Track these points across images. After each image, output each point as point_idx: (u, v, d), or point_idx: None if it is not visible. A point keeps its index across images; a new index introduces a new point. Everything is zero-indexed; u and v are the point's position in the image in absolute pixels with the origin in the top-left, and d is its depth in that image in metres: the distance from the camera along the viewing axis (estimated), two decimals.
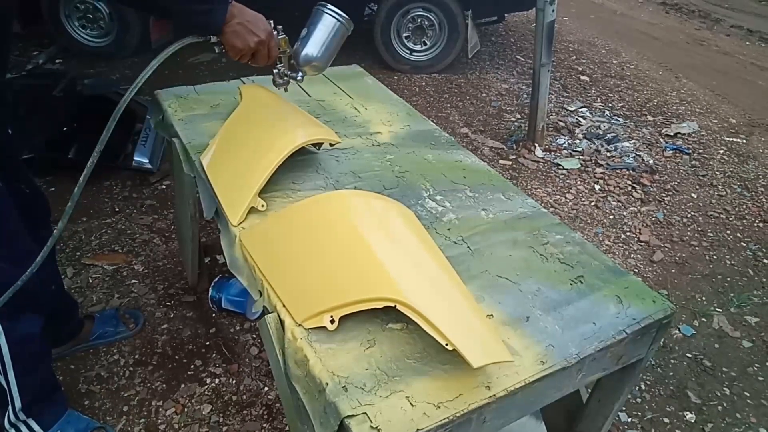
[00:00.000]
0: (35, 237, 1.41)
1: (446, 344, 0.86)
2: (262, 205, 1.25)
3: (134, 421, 1.69)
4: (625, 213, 2.95)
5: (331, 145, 1.49)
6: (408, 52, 4.39)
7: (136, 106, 3.02)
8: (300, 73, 1.38)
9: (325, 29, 1.35)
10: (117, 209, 2.61)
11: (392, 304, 0.91)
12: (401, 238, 1.11)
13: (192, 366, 1.88)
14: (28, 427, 1.48)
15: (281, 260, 1.10)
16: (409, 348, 0.95)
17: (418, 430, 0.81)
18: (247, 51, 1.26)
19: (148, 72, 1.24)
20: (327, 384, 0.87)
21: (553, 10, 3.09)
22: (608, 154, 3.47)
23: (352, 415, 0.82)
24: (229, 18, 1.22)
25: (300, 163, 1.42)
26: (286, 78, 1.39)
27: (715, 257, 2.69)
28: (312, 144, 1.44)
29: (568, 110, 4.02)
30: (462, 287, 1.04)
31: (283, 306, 1.01)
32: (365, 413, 0.83)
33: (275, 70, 1.37)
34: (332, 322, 0.95)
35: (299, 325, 0.97)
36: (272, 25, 1.30)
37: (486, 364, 0.87)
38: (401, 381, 0.88)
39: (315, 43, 1.35)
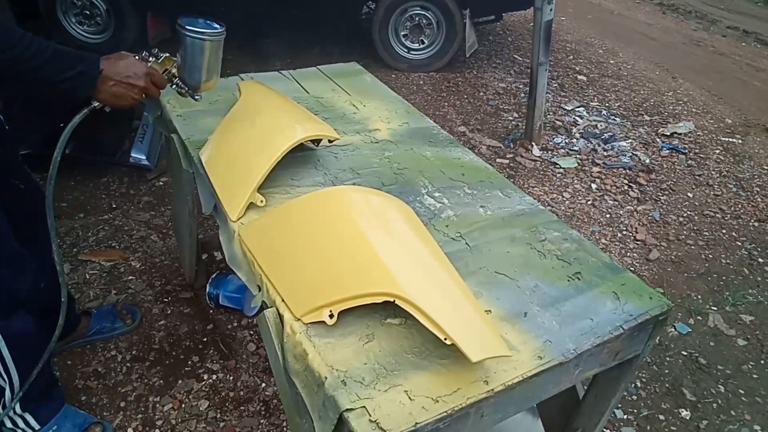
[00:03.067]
0: (30, 231, 1.41)
1: (445, 339, 0.87)
2: (261, 201, 1.25)
3: (131, 417, 1.70)
4: (621, 212, 2.96)
5: (330, 141, 1.49)
6: (406, 50, 4.39)
7: None
8: (196, 95, 1.34)
9: (192, 51, 1.27)
10: (114, 205, 2.61)
11: (391, 299, 0.92)
12: (400, 234, 1.12)
13: (189, 362, 1.89)
14: (25, 421, 1.48)
15: (280, 255, 1.10)
16: (408, 342, 0.95)
17: (416, 423, 0.82)
18: (134, 103, 1.23)
19: (59, 150, 1.23)
20: (326, 378, 0.87)
21: (550, 10, 3.10)
22: (605, 154, 3.49)
23: (351, 409, 0.83)
24: (100, 83, 1.16)
25: (299, 159, 1.43)
26: (187, 92, 1.34)
27: (710, 256, 2.71)
28: (311, 140, 1.44)
29: (565, 109, 4.03)
30: (460, 283, 1.04)
31: (282, 301, 1.01)
32: (364, 407, 0.83)
33: (172, 87, 1.33)
34: (331, 316, 0.95)
35: (298, 319, 0.97)
36: (143, 54, 1.26)
37: (484, 359, 0.88)
38: (400, 375, 0.89)
39: (190, 69, 1.29)
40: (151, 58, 1.26)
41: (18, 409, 1.44)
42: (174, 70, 1.30)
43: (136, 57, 1.24)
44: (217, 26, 1.27)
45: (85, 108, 1.22)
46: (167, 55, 1.28)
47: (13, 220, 1.34)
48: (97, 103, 1.21)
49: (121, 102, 1.21)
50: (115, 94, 1.19)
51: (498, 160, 3.33)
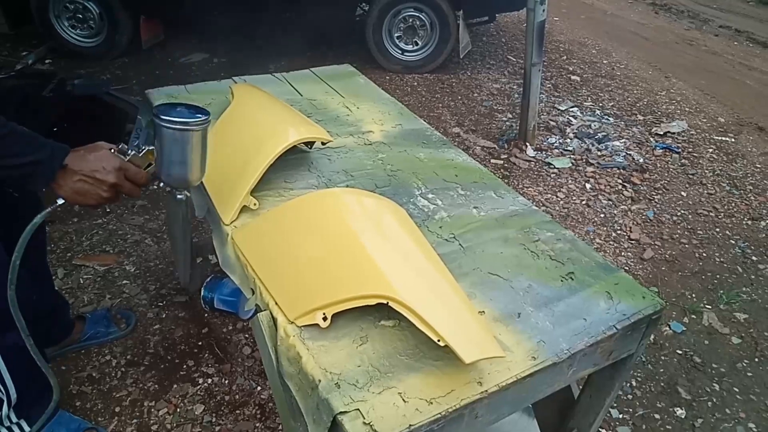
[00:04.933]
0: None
1: (438, 340, 0.87)
2: (255, 204, 1.25)
3: (126, 422, 1.69)
4: (615, 211, 2.97)
5: (323, 144, 1.49)
6: (400, 52, 4.40)
7: (126, 105, 3.01)
8: (178, 194, 1.15)
9: (170, 145, 1.05)
10: (108, 210, 2.60)
11: (384, 301, 0.92)
12: (393, 236, 1.12)
13: (184, 366, 1.88)
14: (21, 428, 1.47)
15: (273, 258, 1.10)
16: (402, 344, 0.95)
17: (410, 425, 0.82)
18: (103, 202, 1.07)
19: (18, 254, 1.07)
20: (320, 381, 0.87)
21: (543, 10, 3.11)
22: (599, 153, 3.50)
23: (345, 412, 0.83)
24: (60, 177, 1.01)
25: (292, 161, 1.43)
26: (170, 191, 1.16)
27: (704, 255, 2.72)
28: (304, 143, 1.44)
29: (559, 110, 4.04)
30: (454, 284, 1.04)
31: (276, 304, 1.01)
32: (358, 409, 0.83)
33: (159, 185, 1.16)
34: (325, 319, 0.95)
35: (292, 322, 0.97)
36: (121, 146, 1.09)
37: (478, 360, 0.88)
38: (394, 377, 0.89)
39: (168, 165, 1.07)
40: (130, 151, 1.09)
41: (13, 417, 1.44)
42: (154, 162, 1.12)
43: (112, 149, 1.07)
44: (200, 115, 1.06)
45: (49, 206, 1.06)
46: (151, 148, 1.09)
47: (3, 229, 1.33)
48: (62, 200, 1.06)
49: (86, 200, 1.05)
50: (78, 191, 1.04)
51: (492, 160, 3.34)
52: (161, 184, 1.10)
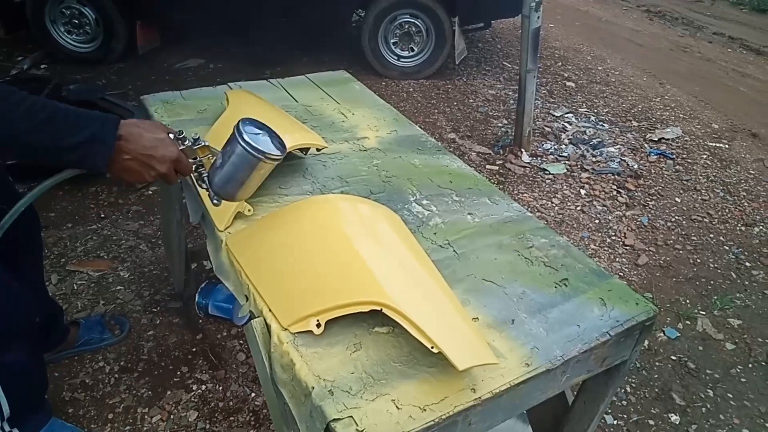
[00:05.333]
0: (18, 255, 1.38)
1: (432, 347, 0.87)
2: (249, 210, 1.25)
3: (119, 429, 1.68)
4: (610, 217, 2.98)
5: (318, 150, 1.49)
6: (395, 58, 4.41)
7: (122, 111, 3.01)
8: (215, 199, 1.12)
9: (240, 163, 1.05)
10: (103, 215, 2.60)
11: (378, 308, 0.92)
12: (388, 242, 1.12)
13: (178, 372, 1.87)
14: None
15: (267, 265, 1.10)
16: (396, 351, 0.95)
17: None
18: (144, 182, 1.05)
19: (21, 207, 1.04)
20: (313, 388, 0.87)
21: (538, 17, 3.12)
22: (594, 159, 3.51)
23: (338, 419, 0.82)
24: (117, 154, 0.96)
25: (287, 168, 1.43)
26: (208, 190, 1.12)
27: (698, 261, 2.73)
28: (299, 149, 1.44)
29: (554, 116, 4.06)
30: (448, 291, 1.05)
31: (270, 310, 1.01)
32: (351, 417, 0.83)
33: (193, 176, 1.12)
34: (318, 326, 0.95)
35: (285, 329, 0.97)
36: (180, 133, 1.06)
37: (471, 367, 0.88)
38: (387, 384, 0.89)
39: (227, 178, 1.07)
40: (187, 142, 1.06)
41: (6, 426, 1.43)
42: (206, 164, 1.10)
43: (172, 135, 1.04)
44: (277, 149, 1.07)
45: (67, 172, 1.03)
46: (206, 143, 1.08)
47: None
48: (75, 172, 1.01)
49: (129, 178, 1.01)
50: (127, 169, 0.99)
51: (488, 166, 3.35)
52: (204, 184, 1.10)
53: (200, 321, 2.07)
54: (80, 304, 2.10)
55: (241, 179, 1.08)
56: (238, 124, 1.05)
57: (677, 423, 1.89)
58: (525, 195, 3.09)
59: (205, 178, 1.09)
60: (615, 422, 1.87)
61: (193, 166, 1.09)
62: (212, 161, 1.09)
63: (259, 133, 1.06)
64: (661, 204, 3.15)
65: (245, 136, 1.03)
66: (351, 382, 0.88)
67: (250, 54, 4.48)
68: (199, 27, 4.20)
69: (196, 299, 2.06)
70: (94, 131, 0.93)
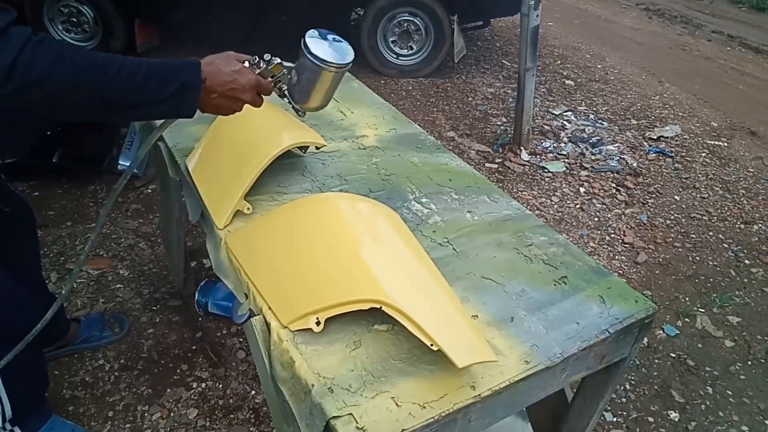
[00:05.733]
0: (19, 256, 1.38)
1: (431, 345, 0.87)
2: (248, 208, 1.25)
3: (119, 427, 1.68)
4: (609, 215, 2.98)
5: (317, 148, 1.49)
6: (394, 56, 4.41)
7: None
8: (300, 112, 1.20)
9: (310, 77, 1.11)
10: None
11: (378, 306, 0.92)
12: (387, 240, 1.12)
13: (178, 370, 1.87)
14: None
15: (267, 263, 1.10)
16: (395, 349, 0.95)
17: (403, 430, 0.82)
18: (232, 112, 1.09)
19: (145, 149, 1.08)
20: (313, 385, 0.87)
21: (537, 15, 3.12)
22: (593, 158, 3.51)
23: (338, 416, 0.83)
24: (203, 96, 1.01)
25: (286, 166, 1.43)
26: (292, 105, 1.19)
27: (697, 258, 2.73)
28: (298, 147, 1.44)
29: (553, 114, 4.06)
30: (447, 288, 1.05)
31: (269, 308, 1.01)
32: (351, 414, 0.83)
33: (276, 93, 1.17)
34: (318, 324, 0.95)
35: (285, 327, 0.97)
36: (254, 59, 1.10)
37: (471, 364, 0.88)
38: (387, 382, 0.89)
39: (302, 91, 1.14)
40: (262, 63, 1.10)
41: (7, 425, 1.43)
42: (283, 80, 1.14)
43: (246, 63, 1.08)
44: (347, 54, 1.11)
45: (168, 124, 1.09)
46: (279, 61, 1.11)
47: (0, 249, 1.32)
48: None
49: (220, 112, 1.08)
50: (217, 105, 1.05)
51: (487, 164, 3.35)
52: (286, 98, 1.15)
53: (200, 319, 2.07)
54: (80, 302, 2.10)
55: (317, 89, 1.12)
56: (304, 36, 1.08)
57: (676, 420, 1.90)
58: (524, 193, 3.09)
59: (286, 93, 1.15)
60: (614, 419, 1.88)
61: (274, 84, 1.13)
62: (288, 76, 1.13)
63: (324, 42, 1.09)
64: (661, 202, 3.15)
65: (311, 49, 1.06)
66: (351, 379, 0.89)
67: (249, 52, 4.47)
68: (198, 26, 4.19)
69: (196, 297, 2.06)
70: (183, 80, 0.97)
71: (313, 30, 1.11)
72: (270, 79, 1.11)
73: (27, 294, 1.39)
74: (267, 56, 1.10)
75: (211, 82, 1.01)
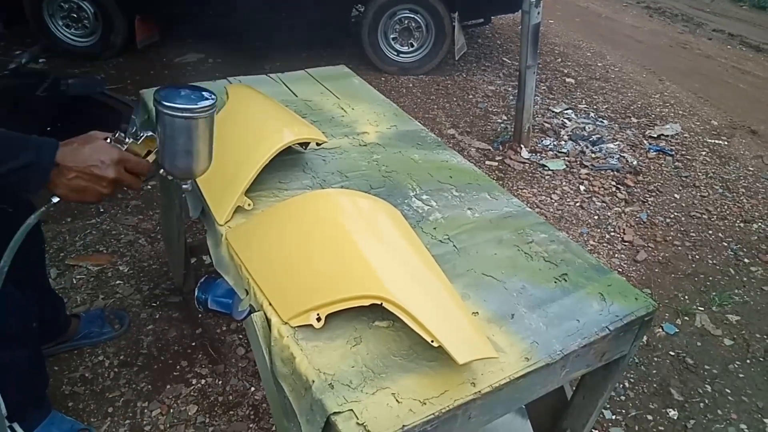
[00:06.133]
0: (20, 259, 1.38)
1: (432, 341, 0.87)
2: (249, 204, 1.25)
3: (119, 423, 1.68)
4: (609, 213, 2.99)
5: (318, 144, 1.49)
6: (395, 53, 4.40)
7: (120, 106, 3.00)
8: (183, 183, 1.06)
9: (173, 134, 0.96)
10: (102, 209, 2.59)
11: (378, 302, 0.92)
12: (388, 237, 1.12)
13: (178, 367, 1.88)
14: (13, 430, 1.46)
15: (268, 259, 1.10)
16: (396, 345, 0.95)
17: (403, 426, 0.82)
18: (103, 197, 0.98)
19: (6, 260, 0.98)
20: (313, 381, 0.87)
21: (538, 13, 3.12)
22: (593, 156, 3.51)
23: (339, 412, 0.83)
24: (55, 176, 0.92)
25: (287, 162, 1.43)
26: (173, 180, 1.06)
27: (697, 257, 2.73)
28: (299, 143, 1.44)
29: (553, 112, 4.05)
30: (448, 285, 1.05)
31: (270, 304, 1.01)
32: (351, 410, 0.83)
33: (161, 173, 1.02)
34: (319, 320, 0.95)
35: (286, 323, 0.97)
36: (118, 135, 0.99)
37: (471, 361, 0.88)
38: (387, 378, 0.89)
39: (172, 155, 0.99)
40: (128, 139, 1.00)
41: (6, 421, 1.43)
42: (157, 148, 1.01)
43: (108, 139, 0.98)
44: (206, 99, 0.96)
45: (44, 206, 0.98)
46: (149, 134, 1.00)
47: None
48: (57, 199, 0.97)
49: (84, 197, 0.96)
50: (75, 188, 0.94)
51: (487, 162, 3.34)
52: (162, 171, 1.02)
53: (199, 315, 2.07)
54: (79, 298, 2.10)
55: (185, 149, 0.98)
56: (154, 94, 0.95)
57: (675, 418, 1.90)
58: (524, 191, 3.09)
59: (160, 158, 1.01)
60: (614, 417, 1.88)
61: (150, 161, 1.01)
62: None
63: (178, 94, 0.95)
64: (660, 200, 3.16)
65: (164, 104, 0.93)
66: (351, 375, 0.89)
67: (250, 49, 4.47)
68: (199, 21, 4.18)
69: (196, 294, 2.05)
70: (28, 159, 0.90)
71: (161, 87, 0.98)
72: (146, 156, 1.01)
73: (22, 296, 1.39)
74: (133, 129, 1.01)
75: (65, 161, 0.92)
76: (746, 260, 2.74)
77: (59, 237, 2.39)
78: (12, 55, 4.06)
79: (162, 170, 1.02)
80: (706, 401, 1.97)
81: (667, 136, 3.87)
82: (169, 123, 0.95)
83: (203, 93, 0.97)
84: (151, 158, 1.02)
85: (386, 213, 1.19)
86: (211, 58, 4.40)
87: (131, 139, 1.00)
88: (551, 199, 3.05)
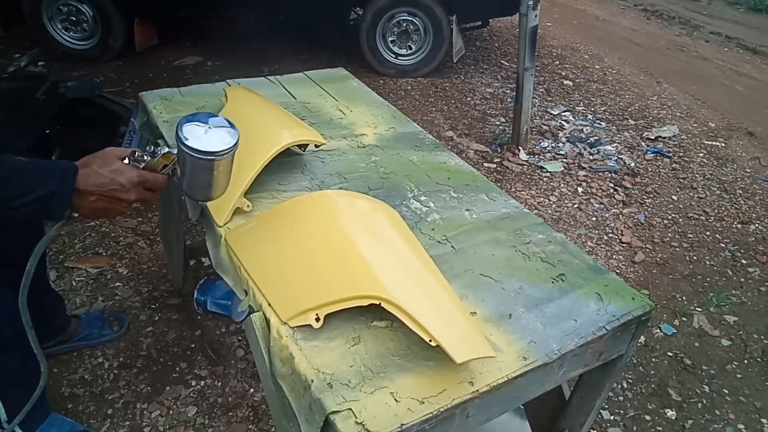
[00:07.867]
0: (17, 260, 1.39)
1: (430, 340, 0.87)
2: (248, 206, 1.25)
3: (118, 424, 1.68)
4: (607, 215, 2.99)
5: (316, 146, 1.50)
6: (393, 56, 4.42)
7: (120, 108, 3.00)
8: (199, 202, 1.10)
9: (195, 170, 0.99)
10: None
11: (377, 302, 0.93)
12: (386, 238, 1.13)
13: (177, 368, 1.88)
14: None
15: (267, 260, 1.10)
16: (394, 345, 0.96)
17: (402, 425, 0.82)
18: (122, 214, 1.01)
19: (33, 261, 1.01)
20: (312, 381, 0.88)
21: (536, 16, 3.13)
22: (591, 157, 3.52)
23: (337, 411, 0.83)
24: (77, 199, 0.94)
25: (285, 164, 1.43)
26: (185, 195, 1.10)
27: (695, 258, 2.74)
28: (297, 145, 1.45)
29: (551, 114, 4.07)
30: (446, 285, 1.05)
31: (269, 305, 1.02)
32: (350, 409, 0.84)
33: (174, 179, 1.06)
34: (317, 320, 0.96)
35: (284, 323, 0.98)
36: (136, 154, 1.00)
37: (469, 360, 0.88)
38: (386, 377, 0.90)
39: (192, 185, 1.03)
40: (146, 157, 1.01)
41: (5, 425, 1.43)
42: (173, 163, 1.04)
43: (126, 159, 0.99)
44: (229, 138, 0.98)
45: (63, 218, 1.00)
46: (167, 151, 1.02)
47: (14, 256, 1.31)
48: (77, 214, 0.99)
49: (106, 215, 1.00)
50: (98, 209, 0.97)
51: (485, 164, 3.35)
52: (181, 192, 1.05)
53: (199, 317, 2.08)
54: (79, 300, 2.10)
55: (205, 181, 1.01)
56: (176, 127, 0.95)
57: (673, 418, 1.91)
58: (522, 193, 3.10)
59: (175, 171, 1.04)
60: (612, 417, 1.88)
61: (166, 174, 1.04)
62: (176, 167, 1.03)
63: (202, 129, 0.96)
64: (658, 202, 3.17)
65: (187, 145, 0.94)
66: (350, 375, 0.89)
67: (249, 51, 4.48)
68: (197, 24, 4.20)
69: (195, 296, 2.07)
70: (50, 189, 0.91)
71: (186, 117, 0.98)
72: (162, 170, 1.03)
73: (14, 302, 1.39)
74: (150, 148, 1.02)
75: (85, 186, 0.94)
76: (743, 261, 2.75)
77: (58, 239, 2.39)
78: (11, 58, 4.07)
79: (181, 191, 1.04)
80: (704, 401, 1.98)
81: (665, 137, 3.89)
82: (191, 162, 0.97)
83: (225, 130, 0.98)
84: (167, 171, 1.04)
85: (385, 214, 1.20)
86: (209, 61, 4.41)
87: (149, 157, 1.01)
88: (549, 200, 3.06)
